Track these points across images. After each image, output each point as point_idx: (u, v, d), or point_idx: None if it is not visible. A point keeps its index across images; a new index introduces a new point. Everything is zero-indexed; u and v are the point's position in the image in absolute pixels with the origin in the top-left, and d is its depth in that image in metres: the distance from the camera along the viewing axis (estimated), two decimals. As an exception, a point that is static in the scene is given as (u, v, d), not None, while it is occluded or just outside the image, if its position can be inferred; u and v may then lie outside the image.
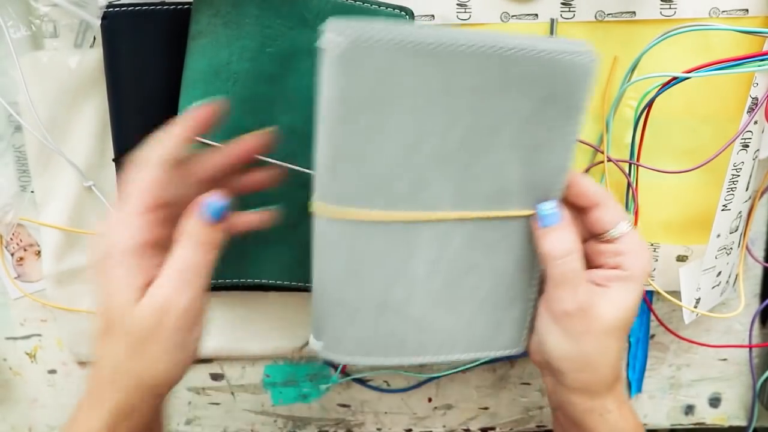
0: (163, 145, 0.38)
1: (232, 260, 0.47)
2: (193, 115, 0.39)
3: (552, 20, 0.49)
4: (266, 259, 0.50)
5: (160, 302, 0.35)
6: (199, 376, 0.58)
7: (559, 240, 0.39)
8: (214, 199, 0.37)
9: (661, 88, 0.44)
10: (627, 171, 0.51)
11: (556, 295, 0.40)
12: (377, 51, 0.35)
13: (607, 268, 0.41)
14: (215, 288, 0.47)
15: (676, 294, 0.50)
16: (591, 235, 0.42)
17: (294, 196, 0.46)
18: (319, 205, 0.39)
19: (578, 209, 0.41)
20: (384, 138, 0.37)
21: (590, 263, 0.42)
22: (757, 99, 0.44)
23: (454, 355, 0.45)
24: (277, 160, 0.47)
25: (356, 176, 0.38)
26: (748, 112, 0.45)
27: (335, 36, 0.34)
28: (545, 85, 0.38)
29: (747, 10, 0.48)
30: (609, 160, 0.51)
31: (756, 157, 0.48)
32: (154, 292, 0.35)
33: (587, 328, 0.39)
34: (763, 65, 0.43)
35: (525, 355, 0.45)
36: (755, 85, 0.44)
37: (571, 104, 0.39)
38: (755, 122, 0.45)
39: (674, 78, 0.43)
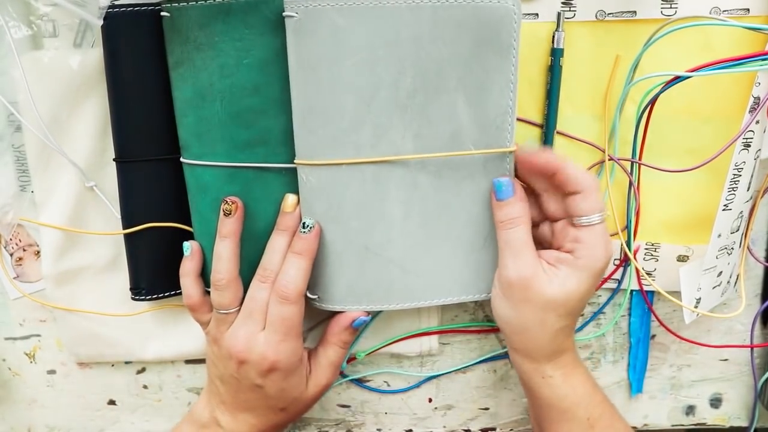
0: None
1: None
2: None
3: (558, 14, 0.48)
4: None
5: (320, 392, 0.51)
6: (198, 376, 0.58)
7: (509, 211, 0.45)
8: (363, 316, 0.49)
9: (663, 87, 0.44)
10: (629, 170, 0.51)
11: (503, 262, 0.45)
12: (326, 16, 0.42)
13: (562, 251, 0.45)
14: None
15: (677, 294, 0.50)
16: (566, 215, 0.45)
17: None
18: (299, 160, 0.46)
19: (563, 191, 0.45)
20: (342, 91, 0.43)
21: (553, 242, 0.47)
22: (758, 99, 0.44)
23: (439, 299, 0.50)
24: (282, 162, 0.47)
25: (325, 129, 0.44)
26: (750, 111, 0.45)
27: (291, 10, 0.42)
28: (474, 29, 0.43)
29: (748, 10, 0.48)
30: (611, 159, 0.51)
31: (758, 156, 0.48)
32: (317, 384, 0.50)
33: (526, 298, 0.44)
34: (766, 64, 0.43)
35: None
36: (757, 84, 0.44)
37: (502, 45, 0.44)
38: (757, 122, 0.45)
39: (677, 77, 0.43)
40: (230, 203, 0.46)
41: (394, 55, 0.43)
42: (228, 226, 0.46)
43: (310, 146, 0.45)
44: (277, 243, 0.47)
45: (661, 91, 0.45)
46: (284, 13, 0.43)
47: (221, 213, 0.46)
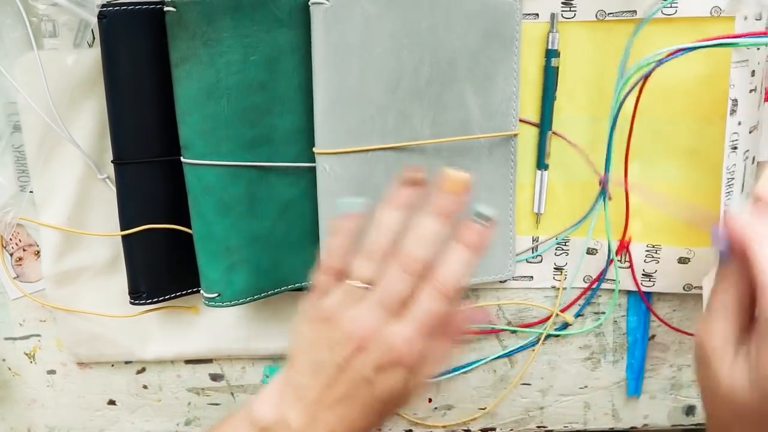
0: None
1: (268, 273, 0.47)
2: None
3: (552, 15, 0.49)
4: (298, 262, 0.50)
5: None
6: (198, 376, 0.58)
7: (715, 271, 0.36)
8: None
9: (656, 63, 0.44)
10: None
11: None
12: (357, 4, 0.43)
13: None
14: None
15: (679, 296, 0.50)
16: None
17: (312, 195, 0.46)
18: (322, 149, 0.45)
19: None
20: (370, 78, 0.45)
21: None
22: (736, 101, 0.44)
23: None
24: (286, 162, 0.47)
25: (353, 116, 0.45)
26: (730, 114, 0.44)
27: None
28: (483, 21, 0.47)
29: (747, 10, 0.48)
30: (602, 179, 0.50)
31: (746, 158, 0.47)
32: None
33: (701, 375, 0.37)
34: (745, 43, 0.43)
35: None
36: (732, 86, 0.44)
37: (506, 37, 0.48)
38: (739, 123, 0.45)
39: (660, 60, 0.43)
40: (416, 171, 0.39)
41: (415, 45, 0.46)
42: (408, 197, 0.39)
43: (336, 135, 0.45)
44: (430, 229, 0.38)
45: (649, 72, 0.44)
46: (312, 2, 0.43)
47: (402, 181, 0.39)
